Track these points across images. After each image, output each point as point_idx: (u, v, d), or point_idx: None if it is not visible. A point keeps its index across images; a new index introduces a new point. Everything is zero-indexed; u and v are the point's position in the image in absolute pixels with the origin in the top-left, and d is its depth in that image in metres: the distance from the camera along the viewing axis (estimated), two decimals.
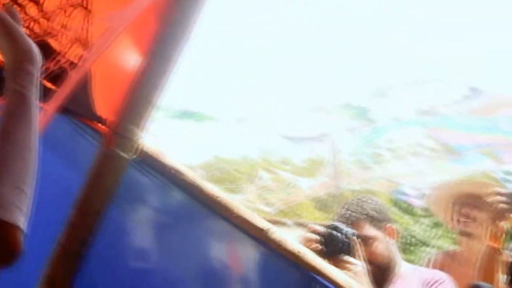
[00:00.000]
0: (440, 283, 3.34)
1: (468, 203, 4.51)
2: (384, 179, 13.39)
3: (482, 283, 2.65)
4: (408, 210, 23.57)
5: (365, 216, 3.44)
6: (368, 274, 3.23)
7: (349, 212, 3.45)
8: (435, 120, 10.62)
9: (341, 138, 11.22)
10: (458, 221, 4.53)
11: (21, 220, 1.42)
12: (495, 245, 3.61)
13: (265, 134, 11.04)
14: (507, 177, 14.12)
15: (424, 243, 24.96)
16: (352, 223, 3.39)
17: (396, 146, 12.42)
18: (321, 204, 26.23)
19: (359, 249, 3.23)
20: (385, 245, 3.47)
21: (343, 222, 3.34)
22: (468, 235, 4.52)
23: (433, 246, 24.63)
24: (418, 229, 25.15)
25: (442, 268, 4.03)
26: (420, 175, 13.22)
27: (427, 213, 25.00)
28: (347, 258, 3.18)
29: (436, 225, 25.68)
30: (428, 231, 25.28)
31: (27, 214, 1.50)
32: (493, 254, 3.65)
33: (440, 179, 14.35)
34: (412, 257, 24.57)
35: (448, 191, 4.67)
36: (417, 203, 14.21)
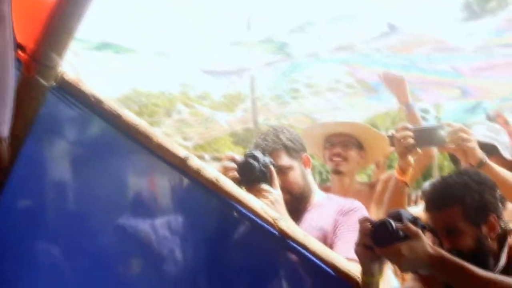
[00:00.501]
0: (355, 211, 3.42)
1: (339, 142, 4.65)
2: (301, 114, 13.50)
3: (403, 211, 2.71)
4: None
5: (281, 145, 3.49)
6: (284, 202, 3.30)
7: (265, 142, 3.50)
8: (353, 56, 10.69)
9: (260, 73, 11.23)
10: (331, 159, 4.67)
11: (5, 131, 1.41)
12: (403, 178, 3.71)
13: (185, 68, 10.97)
14: (423, 114, 14.37)
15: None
16: (269, 152, 3.43)
17: (314, 81, 12.51)
18: (239, 139, 26.34)
19: (276, 177, 3.29)
20: (300, 174, 3.54)
21: (260, 152, 3.39)
22: (338, 173, 4.66)
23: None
24: None
25: None
26: (337, 112, 13.37)
27: None
28: (264, 186, 3.24)
29: None
30: None
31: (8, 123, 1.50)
32: (400, 187, 3.75)
33: (357, 115, 14.59)
34: None
35: (321, 130, 4.79)
36: None
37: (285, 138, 3.52)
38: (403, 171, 3.66)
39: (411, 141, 3.51)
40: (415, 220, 2.62)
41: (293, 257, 2.89)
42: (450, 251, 2.68)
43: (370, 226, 2.59)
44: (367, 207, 4.54)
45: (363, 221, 2.71)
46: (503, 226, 2.86)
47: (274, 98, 12.35)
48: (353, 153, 4.69)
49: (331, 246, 3.23)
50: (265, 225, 2.83)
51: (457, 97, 13.47)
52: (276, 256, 2.93)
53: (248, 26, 10.96)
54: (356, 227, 3.06)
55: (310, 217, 3.49)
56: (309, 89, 12.46)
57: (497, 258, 2.80)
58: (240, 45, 9.67)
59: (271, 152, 3.45)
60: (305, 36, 9.37)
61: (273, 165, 3.31)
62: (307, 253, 2.88)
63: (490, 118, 16.07)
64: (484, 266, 2.61)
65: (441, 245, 2.73)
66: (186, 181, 2.73)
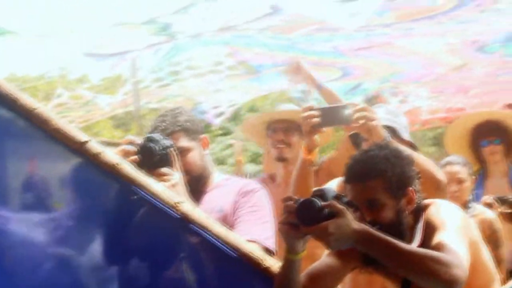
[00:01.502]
0: (254, 192, 3.41)
1: (281, 129, 4.68)
2: (183, 97, 13.41)
3: (326, 188, 2.71)
4: (205, 128, 23.82)
5: (179, 127, 3.46)
6: (185, 184, 3.26)
7: (164, 123, 3.46)
8: (235, 38, 10.67)
9: (141, 55, 11.05)
10: (274, 146, 4.70)
11: None
12: (309, 157, 3.74)
13: (65, 52, 10.66)
14: (303, 96, 14.53)
15: (221, 162, 25.51)
16: (168, 134, 3.39)
17: (195, 63, 12.41)
18: (119, 123, 26.01)
19: (176, 160, 3.24)
20: (199, 155, 3.52)
21: (159, 134, 3.34)
22: (283, 160, 4.70)
23: (230, 165, 25.21)
24: (216, 147, 25.63)
25: None
26: (219, 94, 13.35)
27: (224, 131, 25.54)
28: (164, 169, 3.19)
29: (231, 145, 26.24)
30: (224, 150, 25.83)
31: None
32: (307, 166, 3.78)
33: (238, 97, 14.60)
34: None
35: (261, 118, 4.82)
36: (215, 121, 14.36)
37: (183, 119, 3.48)
38: (309, 150, 3.70)
39: (316, 120, 3.54)
40: (339, 197, 2.63)
41: (196, 240, 2.86)
42: (371, 223, 2.73)
43: (294, 204, 2.58)
44: None
45: (287, 199, 2.70)
46: (418, 201, 2.93)
47: (156, 80, 12.18)
48: (296, 139, 4.70)
49: (231, 227, 3.21)
50: (167, 209, 2.78)
51: (338, 77, 13.65)
52: (179, 239, 2.90)
53: (129, 7, 10.76)
54: (256, 208, 3.06)
55: (210, 198, 3.46)
56: (190, 71, 12.36)
57: (412, 232, 2.85)
58: (122, 27, 9.48)
59: (170, 134, 3.40)
60: (188, 17, 9.25)
61: (173, 147, 3.26)
62: (209, 236, 2.85)
63: (369, 99, 16.46)
64: (402, 239, 2.66)
65: (362, 218, 2.75)
66: (86, 165, 2.64)
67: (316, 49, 11.54)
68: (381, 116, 3.79)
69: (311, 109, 3.58)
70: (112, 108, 13.80)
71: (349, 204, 2.63)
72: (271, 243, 3.25)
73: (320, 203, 2.53)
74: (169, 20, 9.26)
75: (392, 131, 3.85)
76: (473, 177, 5.08)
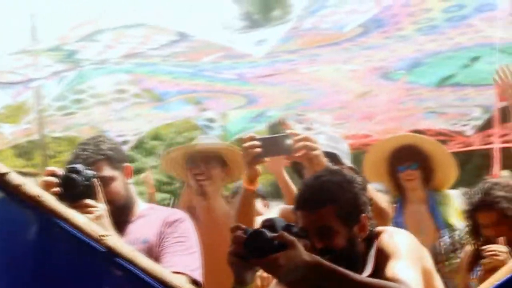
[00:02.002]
0: (180, 222, 3.33)
1: (202, 161, 4.59)
2: (88, 125, 13.19)
3: (276, 218, 2.61)
4: None
5: (102, 156, 3.35)
6: (108, 215, 3.14)
7: (86, 152, 3.34)
8: (139, 65, 10.55)
9: (46, 83, 10.80)
10: (194, 179, 4.60)
11: None
12: (251, 187, 3.68)
13: None
14: (209, 123, 14.52)
15: None
16: (90, 163, 3.27)
17: (100, 91, 12.23)
18: (21, 151, 25.43)
19: (100, 191, 3.12)
20: (123, 184, 3.42)
21: (80, 163, 3.21)
22: (203, 194, 4.60)
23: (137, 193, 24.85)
24: None
25: None
26: (124, 122, 13.19)
27: (129, 159, 25.23)
28: (88, 201, 3.06)
29: (137, 172, 25.95)
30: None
31: None
32: (249, 196, 3.71)
33: (143, 126, 14.45)
34: None
35: (182, 150, 4.73)
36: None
37: (106, 148, 3.38)
38: (251, 180, 3.63)
39: (258, 150, 3.48)
40: (288, 227, 2.54)
41: (121, 274, 2.73)
42: (322, 251, 2.68)
43: (243, 235, 2.49)
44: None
45: (235, 229, 2.60)
46: (370, 228, 2.87)
47: (60, 109, 11.92)
48: (217, 172, 4.62)
49: (156, 259, 3.11)
50: (91, 242, 2.65)
51: (243, 105, 13.69)
52: (103, 274, 2.76)
53: (34, 34, 10.52)
54: (183, 238, 2.97)
55: (134, 228, 3.36)
56: (95, 99, 12.15)
57: (364, 260, 2.79)
58: (26, 54, 9.24)
59: (93, 163, 3.28)
60: (94, 44, 9.09)
61: (96, 177, 3.13)
62: (136, 270, 2.72)
63: (272, 126, 16.51)
64: (354, 267, 2.59)
65: (312, 246, 2.67)
66: (6, 197, 2.50)
67: (222, 76, 11.53)
68: (322, 142, 3.76)
69: (252, 139, 3.53)
70: (15, 137, 13.45)
71: (299, 234, 2.54)
72: (198, 275, 3.18)
73: (269, 234, 2.45)
74: (74, 47, 9.08)
75: (333, 157, 3.82)
76: (393, 205, 5.13)
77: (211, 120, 14.48)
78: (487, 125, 15.15)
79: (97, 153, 3.32)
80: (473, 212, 4.13)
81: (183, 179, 4.82)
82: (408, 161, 5.12)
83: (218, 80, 11.84)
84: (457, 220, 5.00)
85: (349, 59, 11.00)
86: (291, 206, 4.19)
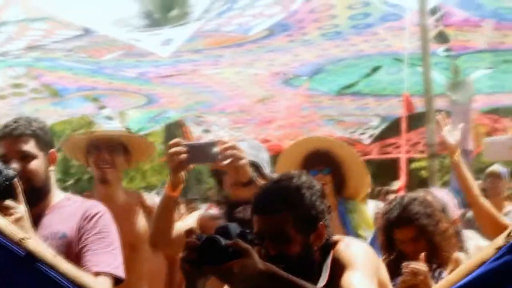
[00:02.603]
0: (100, 216, 3.22)
1: (106, 148, 4.47)
2: None
3: (230, 224, 2.52)
4: None
5: (31, 132, 3.26)
6: (23, 192, 2.99)
7: (16, 124, 3.26)
8: (40, 60, 10.29)
9: None
10: (97, 166, 4.47)
11: None
12: (174, 194, 3.58)
13: None
14: (107, 121, 14.30)
15: None
16: (17, 135, 3.18)
17: None
18: None
19: (20, 192, 2.98)
20: (44, 167, 3.30)
21: (7, 136, 3.13)
22: (105, 182, 4.47)
23: None
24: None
25: None
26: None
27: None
28: (8, 202, 2.91)
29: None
30: None
31: None
32: (171, 203, 3.62)
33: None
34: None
35: (86, 136, 4.59)
36: None
37: (37, 126, 3.29)
38: (174, 186, 3.53)
39: (183, 156, 3.39)
40: (243, 234, 2.46)
41: (42, 279, 2.61)
42: (276, 257, 2.61)
43: (197, 241, 2.38)
44: (132, 220, 4.34)
45: (188, 234, 2.49)
46: (327, 237, 2.80)
47: None
48: (120, 159, 4.48)
49: (77, 255, 3.01)
50: (11, 245, 2.52)
51: (142, 104, 13.58)
52: (23, 279, 2.63)
53: None
54: (103, 234, 2.90)
55: (50, 221, 3.23)
56: None
57: (319, 269, 2.72)
58: None
59: (20, 135, 3.20)
60: None
61: (17, 177, 2.99)
62: (56, 275, 2.61)
63: (169, 127, 16.30)
64: (308, 276, 2.50)
65: (266, 252, 2.60)
66: None
67: (123, 74, 11.38)
68: (246, 151, 3.70)
69: (178, 145, 3.43)
70: None
71: (253, 242, 2.47)
72: (121, 272, 3.08)
73: (224, 241, 2.35)
74: None
75: (256, 167, 3.77)
76: None
77: (109, 118, 14.27)
78: (385, 135, 15.53)
79: (27, 127, 3.21)
80: (390, 227, 4.12)
81: (83, 163, 4.66)
82: (320, 165, 5.00)
83: (119, 78, 11.69)
84: (366, 230, 4.98)
85: (252, 61, 11.05)
86: (210, 213, 4.14)
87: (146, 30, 11.63)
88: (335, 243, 2.81)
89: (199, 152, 3.45)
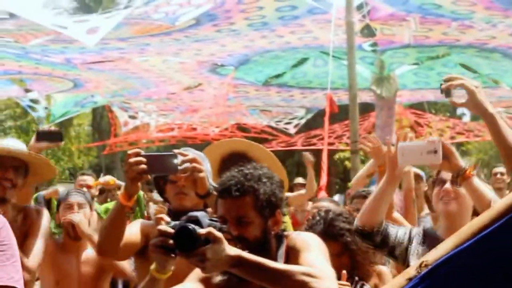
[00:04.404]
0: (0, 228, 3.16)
1: (12, 167, 4.34)
2: None
3: (200, 214, 2.69)
4: None
5: None
6: None
7: None
8: None
9: None
10: None
11: None
12: (128, 203, 3.55)
13: None
14: (33, 104, 14.15)
15: None
16: None
17: None
18: None
19: None
20: None
21: None
22: (3, 201, 4.34)
23: None
24: None
25: None
26: None
27: None
28: None
29: None
30: None
31: None
32: (124, 213, 3.58)
33: None
34: None
35: None
36: None
37: None
38: (129, 196, 3.49)
39: (143, 167, 3.37)
40: (212, 223, 2.64)
41: None
42: (237, 238, 2.79)
43: (170, 229, 2.57)
44: (21, 233, 4.24)
45: (159, 220, 2.82)
46: (282, 228, 2.98)
47: None
48: (21, 180, 4.35)
49: None
50: None
51: (69, 88, 13.42)
52: None
53: None
54: (4, 246, 2.85)
55: None
56: None
57: (274, 258, 2.85)
58: None
59: None
60: None
61: None
62: None
63: (97, 113, 16.17)
64: (265, 256, 2.69)
65: (229, 233, 2.74)
66: None
67: (49, 60, 11.23)
68: None
69: (137, 155, 3.40)
70: None
71: (222, 229, 2.65)
72: (21, 285, 3.04)
73: (198, 230, 2.55)
74: None
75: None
76: None
77: (35, 101, 14.14)
78: (309, 126, 15.66)
79: None
80: None
81: None
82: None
83: (45, 64, 11.52)
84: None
85: (179, 51, 11.02)
86: (152, 222, 4.15)
87: (75, 14, 11.45)
88: (287, 235, 3.01)
89: (159, 163, 3.43)
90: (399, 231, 4.26)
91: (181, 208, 3.79)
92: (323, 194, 6.65)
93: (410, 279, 1.85)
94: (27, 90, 13.71)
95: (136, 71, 12.33)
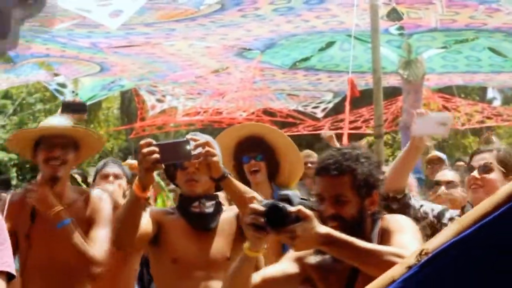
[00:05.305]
0: None
1: (58, 144, 4.33)
2: None
3: (291, 193, 2.83)
4: None
5: None
6: None
7: None
8: None
9: None
10: (46, 162, 4.31)
11: None
12: (143, 195, 3.51)
13: None
14: (60, 88, 14.22)
15: None
16: None
17: None
18: None
19: None
20: None
21: None
22: (55, 179, 4.32)
23: None
24: None
25: None
26: None
27: None
28: None
29: None
30: None
31: None
32: (140, 204, 3.55)
33: None
34: None
35: (34, 132, 4.45)
36: None
37: None
38: (144, 187, 3.46)
39: (156, 156, 3.34)
40: (303, 202, 2.75)
41: None
42: (333, 216, 2.92)
43: (262, 207, 2.69)
44: (79, 218, 4.24)
45: (251, 200, 2.98)
46: (378, 209, 3.08)
47: None
48: (71, 156, 4.34)
49: None
50: None
51: (96, 72, 13.46)
52: None
53: None
54: None
55: None
56: None
57: (368, 239, 2.92)
58: None
59: None
60: None
61: None
62: None
63: (125, 97, 16.30)
64: (360, 235, 2.80)
65: (325, 211, 2.93)
66: None
67: (75, 43, 11.26)
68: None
69: (149, 144, 3.37)
70: None
71: (312, 208, 2.81)
72: (13, 269, 3.04)
73: (289, 207, 2.66)
74: None
75: None
76: None
77: (62, 85, 14.20)
78: (337, 110, 15.59)
79: None
80: None
81: (28, 158, 4.51)
82: (253, 151, 4.92)
83: (72, 47, 11.56)
84: None
85: (204, 36, 10.99)
86: (163, 209, 4.18)
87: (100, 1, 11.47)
88: (382, 217, 3.13)
89: (172, 151, 3.41)
90: (425, 205, 4.36)
91: (192, 194, 3.78)
92: None
93: (409, 267, 1.83)
94: (55, 74, 13.77)
95: (162, 55, 12.32)
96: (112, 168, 5.44)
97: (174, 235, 3.84)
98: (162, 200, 7.08)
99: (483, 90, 24.62)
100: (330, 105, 16.07)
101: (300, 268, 3.12)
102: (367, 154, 3.12)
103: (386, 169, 4.77)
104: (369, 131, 14.98)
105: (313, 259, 3.08)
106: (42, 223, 4.17)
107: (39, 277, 4.20)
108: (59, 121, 4.51)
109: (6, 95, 24.68)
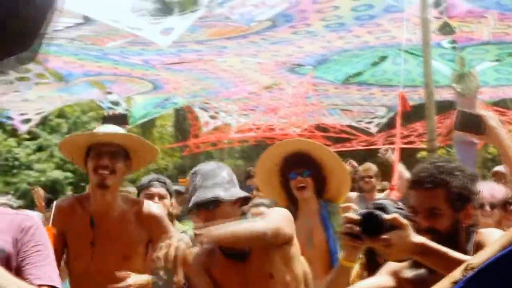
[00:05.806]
0: (35, 229, 3.14)
1: (107, 153, 4.33)
2: None
3: (386, 202, 2.83)
4: (12, 133, 23.10)
5: None
6: None
7: None
8: (46, 46, 10.23)
9: None
10: (96, 171, 4.30)
11: None
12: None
13: None
14: (113, 106, 14.34)
15: (28, 167, 24.81)
16: None
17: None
18: None
19: None
20: None
21: None
22: (104, 187, 4.31)
23: (36, 170, 24.51)
24: (22, 152, 24.89)
25: None
26: (27, 102, 12.88)
27: (32, 136, 24.81)
28: None
29: (40, 149, 25.58)
30: (30, 155, 25.08)
31: None
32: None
33: (46, 106, 14.18)
34: (15, 180, 24.27)
35: (85, 138, 4.45)
36: (22, 127, 14.00)
37: None
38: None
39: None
40: (398, 211, 2.79)
41: None
42: (427, 230, 2.91)
43: (358, 216, 2.70)
44: (127, 229, 4.27)
45: (346, 209, 3.10)
46: (472, 222, 3.05)
47: None
48: (120, 165, 4.34)
49: (17, 269, 2.97)
50: None
51: (149, 90, 13.55)
52: None
53: None
54: (40, 247, 2.87)
55: None
56: None
57: (464, 252, 2.86)
58: None
59: None
60: None
61: None
62: None
63: (179, 114, 16.28)
64: (455, 249, 2.74)
65: (419, 224, 2.91)
66: None
67: (127, 61, 11.36)
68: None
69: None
70: None
71: (408, 217, 2.80)
72: (59, 284, 3.06)
73: (383, 216, 2.68)
74: None
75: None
76: None
77: (115, 103, 14.32)
78: (390, 125, 15.46)
79: None
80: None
81: (80, 166, 4.52)
82: (300, 168, 4.85)
83: (124, 64, 11.66)
84: None
85: (256, 52, 11.00)
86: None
87: (156, 16, 11.54)
88: (478, 231, 3.08)
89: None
90: None
91: None
92: (395, 193, 6.50)
93: (455, 283, 1.80)
94: (107, 93, 13.89)
95: (215, 71, 12.36)
96: (157, 188, 5.42)
97: None
98: None
99: None
100: (384, 120, 15.95)
101: (396, 282, 3.12)
102: (461, 168, 3.10)
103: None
104: (422, 145, 14.81)
105: (408, 272, 3.07)
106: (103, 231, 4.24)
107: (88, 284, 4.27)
108: (111, 128, 4.50)
109: (61, 114, 25.06)
